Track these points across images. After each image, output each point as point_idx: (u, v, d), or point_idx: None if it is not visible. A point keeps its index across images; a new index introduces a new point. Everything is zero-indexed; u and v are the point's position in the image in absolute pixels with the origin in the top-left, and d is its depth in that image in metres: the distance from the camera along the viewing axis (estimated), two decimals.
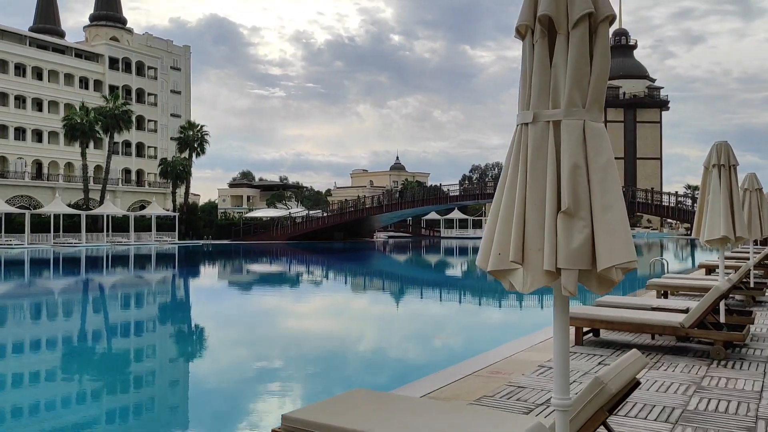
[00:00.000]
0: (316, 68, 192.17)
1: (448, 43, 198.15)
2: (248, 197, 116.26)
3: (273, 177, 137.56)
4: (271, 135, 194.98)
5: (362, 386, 4.39)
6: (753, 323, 8.00)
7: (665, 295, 12.11)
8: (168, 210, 62.77)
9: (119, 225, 56.04)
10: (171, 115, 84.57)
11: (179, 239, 57.79)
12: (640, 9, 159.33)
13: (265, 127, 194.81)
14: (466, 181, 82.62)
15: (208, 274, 32.00)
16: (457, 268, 35.58)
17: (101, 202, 56.93)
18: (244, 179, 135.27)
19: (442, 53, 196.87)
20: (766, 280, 15.29)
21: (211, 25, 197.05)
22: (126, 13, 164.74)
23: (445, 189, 61.59)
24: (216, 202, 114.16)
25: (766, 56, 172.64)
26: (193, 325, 15.16)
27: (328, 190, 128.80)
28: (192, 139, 64.62)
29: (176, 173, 63.13)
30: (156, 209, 58.27)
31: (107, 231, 54.09)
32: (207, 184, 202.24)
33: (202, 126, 65.94)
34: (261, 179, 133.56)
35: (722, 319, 7.61)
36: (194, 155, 65.64)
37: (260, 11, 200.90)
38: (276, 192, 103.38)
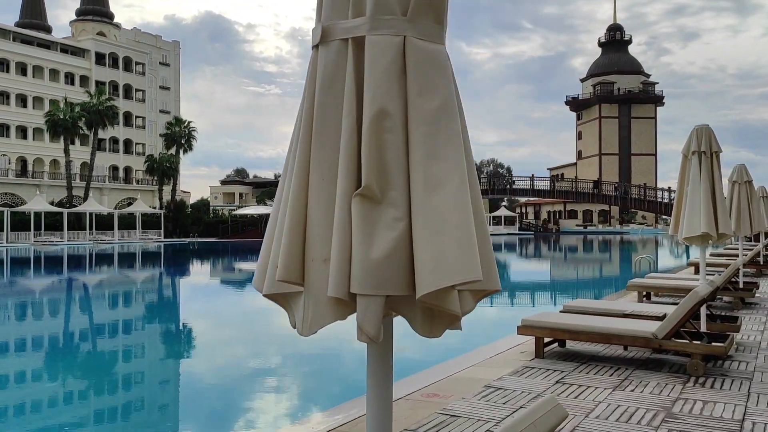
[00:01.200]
0: None
1: None
2: (240, 194, 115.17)
3: (269, 174, 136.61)
4: (268, 132, 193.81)
5: None
6: (738, 331, 7.08)
7: (648, 297, 11.20)
8: (155, 208, 61.73)
9: (105, 223, 54.96)
10: (160, 111, 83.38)
11: (165, 237, 56.74)
12: (635, 5, 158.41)
13: (262, 124, 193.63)
14: None
15: (187, 272, 31.01)
16: None
17: (86, 200, 55.82)
18: (238, 177, 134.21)
19: None
20: (757, 280, 14.39)
21: (206, 22, 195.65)
22: (120, 10, 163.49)
23: None
24: (208, 199, 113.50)
25: (762, 52, 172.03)
26: (163, 326, 14.28)
27: None
28: (179, 135, 63.58)
29: (163, 170, 62.07)
30: (141, 207, 57.18)
31: (91, 229, 53.01)
32: (203, 181, 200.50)
33: (189, 122, 64.91)
34: (255, 176, 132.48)
35: (703, 327, 6.69)
36: (182, 152, 64.66)
37: (255, 8, 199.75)
38: (267, 189, 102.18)
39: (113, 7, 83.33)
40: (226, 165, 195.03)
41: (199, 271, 31.70)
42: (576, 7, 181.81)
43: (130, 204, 65.12)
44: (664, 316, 6.91)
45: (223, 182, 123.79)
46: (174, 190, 63.66)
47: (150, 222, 58.07)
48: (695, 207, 6.36)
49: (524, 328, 6.43)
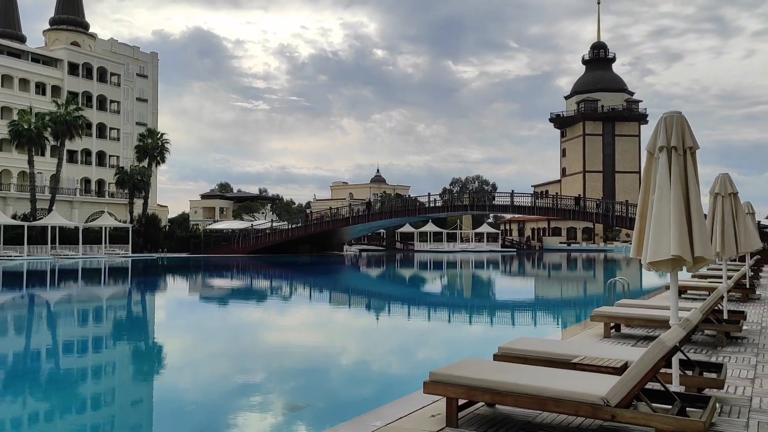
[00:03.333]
0: (300, 82, 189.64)
1: (431, 58, 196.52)
2: (221, 209, 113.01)
3: (254, 189, 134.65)
4: (255, 148, 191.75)
5: None
6: (722, 387, 5.42)
7: (617, 328, 9.56)
8: (124, 222, 59.59)
9: (71, 237, 52.78)
10: (136, 123, 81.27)
11: (134, 252, 54.60)
12: (619, 27, 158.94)
13: (249, 140, 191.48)
14: (446, 194, 79.94)
15: (148, 288, 29.05)
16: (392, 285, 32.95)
17: (50, 212, 53.62)
18: (222, 191, 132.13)
19: (425, 68, 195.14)
20: (744, 307, 12.79)
21: (195, 38, 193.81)
22: (108, 25, 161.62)
23: (422, 200, 58.92)
24: (188, 214, 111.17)
25: (744, 73, 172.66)
26: (99, 348, 12.51)
27: (308, 203, 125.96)
28: (152, 148, 61.70)
29: (134, 182, 60.06)
30: (108, 220, 55.06)
31: (54, 243, 50.82)
32: (190, 196, 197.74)
33: (162, 134, 63.14)
34: (239, 191, 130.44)
35: (675, 382, 5.03)
36: (154, 164, 62.76)
37: (244, 24, 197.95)
38: (244, 203, 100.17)
39: (102, 22, 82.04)
40: (213, 180, 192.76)
41: (162, 287, 29.78)
42: (561, 28, 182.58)
43: None
44: (626, 366, 5.26)
45: (204, 196, 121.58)
46: (146, 204, 61.61)
47: (119, 236, 55.95)
48: (663, 222, 4.73)
49: (433, 385, 4.77)
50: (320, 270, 43.29)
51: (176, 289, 29.45)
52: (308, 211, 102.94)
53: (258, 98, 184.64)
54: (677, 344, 4.42)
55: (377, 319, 18.18)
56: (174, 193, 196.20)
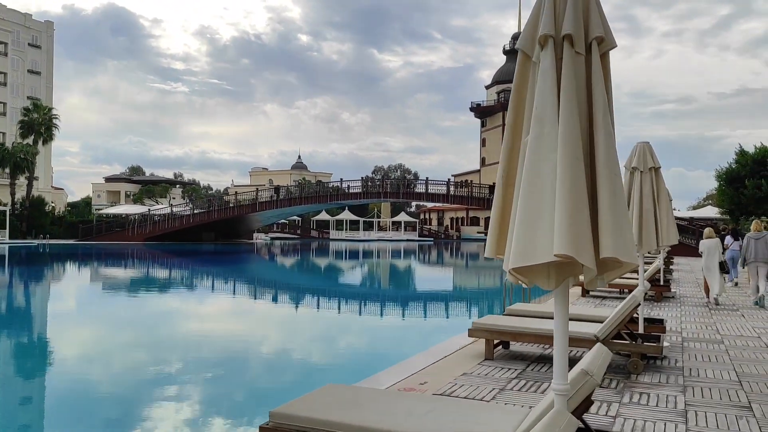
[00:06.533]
0: (221, 65, 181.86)
1: (355, 45, 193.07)
2: (127, 193, 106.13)
3: (172, 175, 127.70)
4: (175, 132, 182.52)
5: None
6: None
7: (505, 346, 7.26)
8: (5, 205, 53.83)
9: None
10: (28, 97, 74.30)
11: (12, 238, 49.21)
12: None
13: (168, 123, 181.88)
14: (369, 182, 77.39)
15: (16, 277, 24.98)
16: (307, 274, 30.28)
17: None
18: (133, 175, 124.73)
19: (350, 55, 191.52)
20: (660, 312, 10.86)
21: (109, 14, 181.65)
22: None
23: (342, 186, 55.85)
24: (90, 198, 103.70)
25: (652, 73, 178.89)
26: None
27: (226, 189, 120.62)
28: (38, 123, 56.06)
29: (15, 161, 54.27)
30: None
31: None
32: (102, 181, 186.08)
33: (50, 108, 57.60)
34: (152, 175, 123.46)
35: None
36: (41, 141, 57.12)
37: (161, 2, 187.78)
38: (146, 187, 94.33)
39: None
40: (128, 164, 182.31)
41: (32, 277, 25.76)
42: (483, 21, 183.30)
43: None
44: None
45: (109, 179, 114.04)
46: (30, 185, 55.94)
47: None
48: (542, 192, 2.29)
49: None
50: (217, 260, 39.88)
51: (22, 280, 25.49)
52: (225, 198, 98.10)
53: (177, 80, 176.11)
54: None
55: (262, 315, 15.43)
56: (87, 177, 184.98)
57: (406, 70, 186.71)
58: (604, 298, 13.28)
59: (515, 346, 7.31)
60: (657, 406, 5.03)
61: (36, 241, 50.22)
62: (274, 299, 20.10)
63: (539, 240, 2.32)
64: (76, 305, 18.19)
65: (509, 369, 6.24)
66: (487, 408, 3.63)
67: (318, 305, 18.15)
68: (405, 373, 5.97)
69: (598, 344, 3.31)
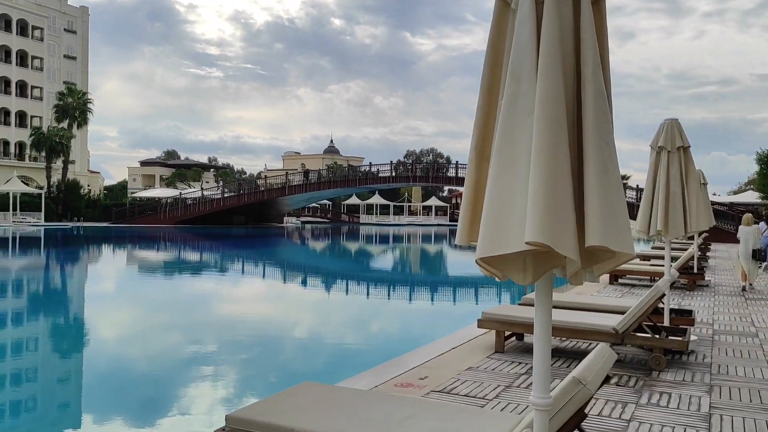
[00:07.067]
0: (255, 49, 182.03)
1: (388, 29, 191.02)
2: (162, 177, 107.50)
3: (204, 158, 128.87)
4: (209, 116, 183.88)
5: None
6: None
7: (519, 338, 6.82)
8: (42, 188, 54.85)
9: None
10: (64, 82, 75.43)
11: (47, 221, 50.14)
12: None
13: (203, 108, 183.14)
14: (401, 166, 76.75)
15: (51, 259, 25.38)
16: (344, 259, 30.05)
17: None
18: (169, 159, 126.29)
19: (383, 39, 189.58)
20: (691, 302, 10.25)
21: (145, 0, 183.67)
22: None
23: (371, 170, 55.33)
24: (126, 181, 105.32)
25: (693, 54, 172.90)
26: None
27: (259, 173, 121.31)
28: (72, 107, 56.88)
29: (51, 145, 55.17)
30: (18, 186, 50.41)
31: None
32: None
33: (84, 93, 58.37)
34: (187, 159, 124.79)
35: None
36: (76, 125, 57.97)
37: None
38: (179, 171, 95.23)
39: None
40: (165, 148, 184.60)
41: (65, 259, 26.16)
42: None
43: (24, 183, 57.79)
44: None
45: (143, 163, 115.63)
46: (65, 168, 56.86)
47: (32, 203, 51.37)
48: (515, 161, 1.86)
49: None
50: (245, 243, 39.98)
51: (56, 261, 25.80)
52: (258, 181, 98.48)
53: (212, 65, 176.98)
54: None
55: (284, 299, 15.25)
56: (125, 161, 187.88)
57: (439, 54, 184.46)
58: (633, 286, 12.65)
59: (530, 338, 6.87)
60: (678, 408, 4.55)
61: (70, 224, 51.09)
62: (284, 279, 19.92)
63: (512, 225, 1.90)
64: (101, 286, 18.27)
65: (519, 363, 5.80)
66: (475, 413, 3.23)
67: (346, 290, 17.89)
68: (406, 366, 5.59)
69: (600, 345, 2.87)
